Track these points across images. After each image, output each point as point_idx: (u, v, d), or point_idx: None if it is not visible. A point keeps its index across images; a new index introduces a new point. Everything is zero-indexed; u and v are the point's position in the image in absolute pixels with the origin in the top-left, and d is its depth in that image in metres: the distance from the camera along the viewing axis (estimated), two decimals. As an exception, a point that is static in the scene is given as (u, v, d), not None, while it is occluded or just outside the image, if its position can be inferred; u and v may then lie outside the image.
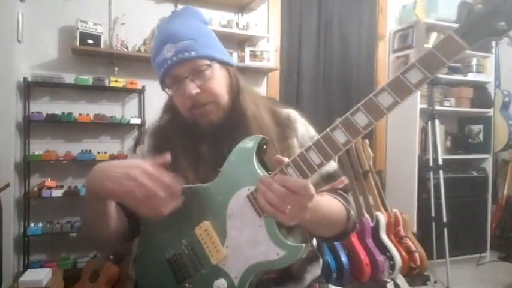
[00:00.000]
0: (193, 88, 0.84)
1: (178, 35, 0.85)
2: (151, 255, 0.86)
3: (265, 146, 0.79)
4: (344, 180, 0.95)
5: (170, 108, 0.97)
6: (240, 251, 0.74)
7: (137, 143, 1.02)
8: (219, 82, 0.88)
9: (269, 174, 0.73)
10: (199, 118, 0.88)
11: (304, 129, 0.96)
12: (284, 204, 0.67)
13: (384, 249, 2.58)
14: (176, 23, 0.90)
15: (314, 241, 1.05)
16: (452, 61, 0.64)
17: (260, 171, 0.75)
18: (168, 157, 0.74)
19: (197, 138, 0.90)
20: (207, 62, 0.86)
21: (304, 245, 0.71)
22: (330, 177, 0.93)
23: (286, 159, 0.71)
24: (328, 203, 0.85)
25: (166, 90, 0.92)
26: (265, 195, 0.68)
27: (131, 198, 0.69)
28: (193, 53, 0.84)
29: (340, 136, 0.68)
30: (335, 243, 2.52)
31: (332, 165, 0.94)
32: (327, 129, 0.69)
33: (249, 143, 0.78)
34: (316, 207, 0.74)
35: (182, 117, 0.92)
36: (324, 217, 0.80)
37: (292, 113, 0.98)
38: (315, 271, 0.96)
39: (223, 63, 0.91)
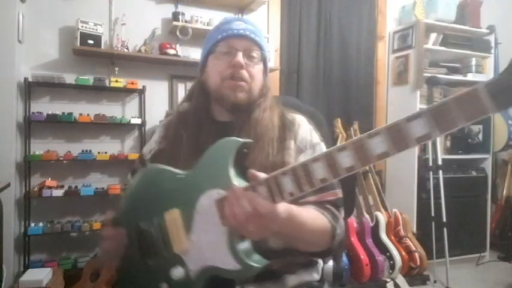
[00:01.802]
0: (242, 60, 0.91)
1: (250, 22, 0.97)
2: (124, 224, 0.87)
3: (245, 150, 0.77)
4: (337, 193, 0.91)
5: (192, 94, 1.01)
6: (200, 250, 0.75)
7: (153, 132, 1.11)
8: (259, 73, 0.96)
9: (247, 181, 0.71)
10: (228, 91, 0.92)
11: (306, 135, 0.95)
12: (247, 223, 0.67)
13: (383, 249, 2.59)
14: (248, 19, 1.02)
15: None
16: (471, 123, 0.52)
17: (234, 177, 0.72)
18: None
19: (201, 129, 0.93)
20: (260, 53, 0.95)
21: (257, 266, 0.70)
22: (321, 188, 0.87)
23: (262, 176, 0.69)
24: (309, 218, 0.80)
25: (208, 58, 0.96)
26: (232, 208, 0.68)
27: None
28: (257, 38, 0.94)
29: (319, 171, 0.61)
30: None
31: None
32: (309, 159, 0.63)
33: (230, 144, 0.75)
34: (292, 220, 0.73)
35: (199, 106, 0.96)
36: (300, 232, 0.78)
37: (299, 118, 0.99)
38: (306, 276, 0.94)
39: (266, 69, 1.00)
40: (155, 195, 0.83)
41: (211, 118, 0.96)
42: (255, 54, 0.94)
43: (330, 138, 1.25)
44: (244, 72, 0.92)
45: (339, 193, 0.92)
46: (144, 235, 0.84)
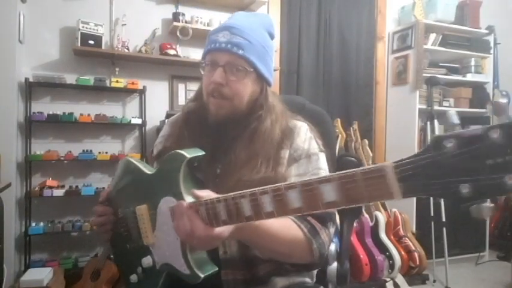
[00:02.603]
0: (220, 77, 0.86)
1: (239, 30, 0.88)
2: (112, 207, 0.94)
3: (195, 164, 0.80)
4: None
5: (198, 95, 1.00)
6: (161, 247, 0.80)
7: (162, 129, 1.11)
8: (245, 88, 0.89)
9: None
10: (211, 106, 0.90)
11: (302, 144, 0.92)
12: (188, 239, 0.70)
13: (383, 248, 2.59)
14: (246, 21, 0.92)
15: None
16: (371, 202, 0.47)
17: (185, 190, 0.74)
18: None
19: (203, 130, 0.93)
20: (247, 66, 0.88)
21: (201, 275, 0.72)
22: None
23: (203, 195, 0.69)
24: (274, 227, 0.77)
25: (203, 65, 0.94)
26: (177, 222, 0.71)
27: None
28: (240, 52, 0.87)
29: (246, 207, 0.61)
30: (334, 241, 2.53)
31: None
32: (238, 193, 0.63)
33: (178, 158, 0.77)
34: (247, 229, 0.72)
35: (202, 107, 0.95)
36: (262, 240, 0.77)
37: (299, 126, 0.95)
38: (297, 278, 0.93)
39: (262, 78, 0.92)
40: (130, 187, 0.91)
41: (211, 119, 0.94)
42: (240, 68, 0.87)
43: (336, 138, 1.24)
44: (225, 90, 0.87)
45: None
46: (122, 221, 0.91)
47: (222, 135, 0.91)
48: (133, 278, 0.87)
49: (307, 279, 0.96)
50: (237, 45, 0.87)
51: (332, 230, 0.88)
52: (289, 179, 0.86)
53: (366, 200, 0.47)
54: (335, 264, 1.09)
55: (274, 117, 0.92)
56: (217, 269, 0.75)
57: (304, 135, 0.94)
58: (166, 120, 1.21)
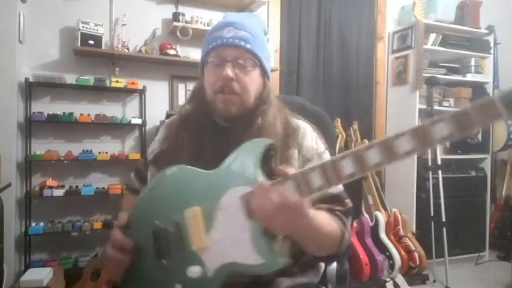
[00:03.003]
0: (231, 72, 0.87)
1: (243, 25, 0.90)
2: (140, 224, 0.86)
3: (271, 152, 0.80)
4: (347, 203, 0.92)
5: (194, 96, 1.00)
6: (220, 246, 0.75)
7: (157, 133, 1.09)
8: (253, 82, 0.91)
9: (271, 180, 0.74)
10: (219, 104, 0.89)
11: (311, 144, 0.94)
12: (275, 216, 0.68)
13: (383, 248, 2.60)
14: (244, 18, 0.94)
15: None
16: (485, 126, 0.59)
17: (260, 175, 0.75)
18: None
19: (204, 132, 0.93)
20: (254, 60, 0.90)
21: (285, 259, 0.71)
22: (332, 199, 0.90)
23: (291, 171, 0.71)
24: (324, 221, 0.82)
25: (204, 67, 0.94)
26: (260, 201, 0.69)
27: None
28: (248, 45, 0.88)
29: (348, 166, 0.65)
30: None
31: (338, 187, 0.91)
32: (337, 156, 0.67)
33: (258, 144, 0.78)
34: (309, 223, 0.73)
35: (201, 108, 0.94)
36: (315, 233, 0.78)
37: (303, 126, 0.97)
38: (302, 279, 0.94)
39: (265, 72, 0.95)
40: (175, 194, 0.83)
41: (212, 121, 0.94)
42: (248, 62, 0.89)
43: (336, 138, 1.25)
44: (235, 85, 0.88)
45: (349, 203, 0.92)
46: (160, 234, 0.82)
47: (229, 132, 0.90)
48: (177, 287, 0.78)
49: (313, 278, 0.97)
50: (244, 40, 0.88)
51: (351, 222, 0.92)
52: None
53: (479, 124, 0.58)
54: (334, 265, 1.09)
55: (275, 112, 0.94)
56: (288, 262, 0.72)
57: (311, 136, 0.96)
58: (160, 124, 1.18)
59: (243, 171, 0.76)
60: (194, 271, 0.76)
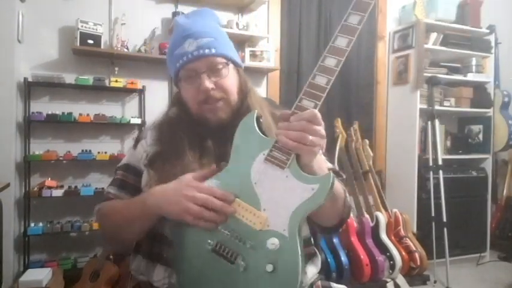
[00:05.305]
0: (209, 83, 0.88)
1: (200, 32, 0.91)
2: (191, 252, 0.83)
3: (261, 120, 0.84)
4: (342, 174, 0.94)
5: (177, 102, 1.01)
6: (277, 207, 0.76)
7: (138, 139, 1.04)
8: (232, 81, 0.93)
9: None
10: (208, 114, 0.91)
11: None
12: (304, 136, 0.72)
13: (383, 249, 2.59)
14: (197, 21, 0.96)
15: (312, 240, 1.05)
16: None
17: (267, 137, 0.80)
18: (214, 167, 0.82)
19: (203, 132, 0.93)
20: (224, 60, 0.91)
21: (330, 172, 0.75)
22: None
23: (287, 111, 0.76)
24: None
25: (179, 84, 0.95)
26: (286, 133, 0.73)
27: (189, 217, 0.77)
28: (213, 50, 0.89)
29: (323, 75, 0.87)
30: (335, 242, 2.52)
31: (330, 165, 0.94)
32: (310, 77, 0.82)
33: (248, 119, 0.82)
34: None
35: (189, 111, 0.95)
36: (334, 196, 0.82)
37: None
38: (312, 268, 0.95)
39: (236, 65, 0.96)
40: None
41: (206, 126, 0.94)
42: (220, 65, 0.90)
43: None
44: (217, 93, 0.89)
45: (343, 174, 0.95)
46: (221, 248, 0.79)
47: (227, 130, 0.89)
48: (269, 267, 0.75)
49: (314, 270, 0.97)
50: (208, 47, 0.89)
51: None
52: None
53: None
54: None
55: (257, 98, 0.98)
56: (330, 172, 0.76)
57: None
58: (146, 127, 1.15)
59: (252, 143, 0.80)
60: (273, 242, 0.75)
